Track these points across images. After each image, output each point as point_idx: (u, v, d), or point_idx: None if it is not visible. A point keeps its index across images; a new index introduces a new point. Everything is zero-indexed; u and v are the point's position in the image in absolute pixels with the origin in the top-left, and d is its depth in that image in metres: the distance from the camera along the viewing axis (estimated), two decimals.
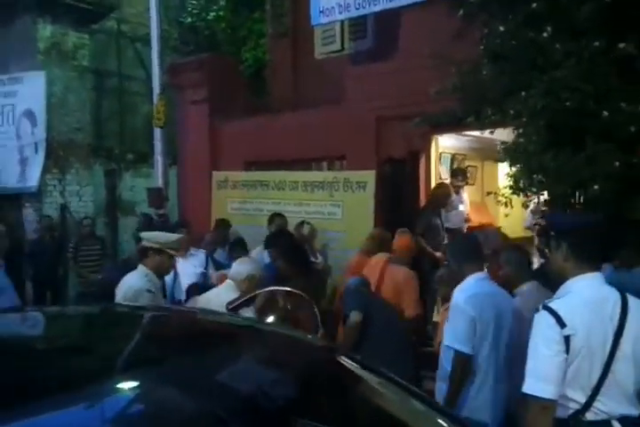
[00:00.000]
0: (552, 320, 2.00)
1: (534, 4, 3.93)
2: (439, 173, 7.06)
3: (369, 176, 6.17)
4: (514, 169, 4.06)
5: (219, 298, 3.59)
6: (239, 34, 10.28)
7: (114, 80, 10.36)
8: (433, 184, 6.53)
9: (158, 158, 7.59)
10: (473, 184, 8.11)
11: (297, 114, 7.31)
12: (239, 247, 5.82)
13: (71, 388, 1.52)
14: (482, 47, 4.49)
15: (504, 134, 4.67)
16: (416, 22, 6.30)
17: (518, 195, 4.09)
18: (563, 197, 3.61)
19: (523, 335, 2.48)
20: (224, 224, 6.71)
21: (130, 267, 3.92)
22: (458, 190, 6.97)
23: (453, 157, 8.23)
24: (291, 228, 5.92)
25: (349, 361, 2.20)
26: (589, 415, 2.00)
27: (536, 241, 5.89)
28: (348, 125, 6.56)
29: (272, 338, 2.41)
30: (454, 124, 5.25)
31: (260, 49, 9.93)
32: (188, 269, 5.53)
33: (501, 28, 4.13)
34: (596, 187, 3.35)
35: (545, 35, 3.78)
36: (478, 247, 3.30)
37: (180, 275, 5.31)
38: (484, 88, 4.49)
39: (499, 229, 4.84)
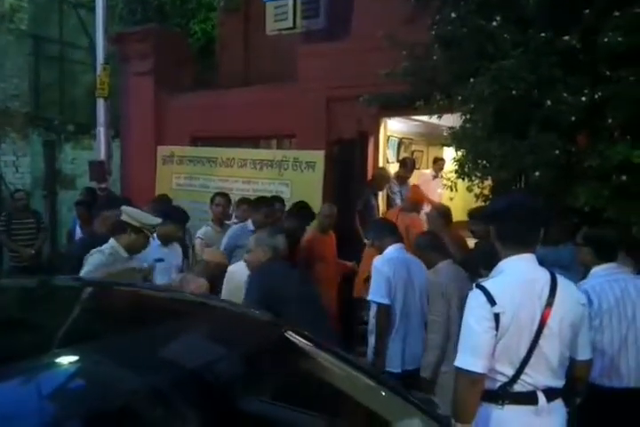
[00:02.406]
0: (483, 298, 2.09)
1: None
2: (386, 156, 7.15)
3: (318, 156, 6.19)
4: (459, 154, 4.17)
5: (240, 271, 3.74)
6: (188, 6, 9.99)
7: (54, 47, 9.86)
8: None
9: (101, 130, 7.33)
10: (419, 169, 8.26)
11: (247, 90, 7.22)
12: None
13: (7, 361, 1.48)
14: (433, 33, 4.55)
15: (450, 120, 4.78)
16: (369, 4, 6.30)
17: (463, 179, 4.21)
18: (505, 182, 3.74)
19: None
20: (163, 199, 6.56)
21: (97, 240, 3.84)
22: (405, 180, 7.07)
23: (400, 141, 8.35)
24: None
25: (296, 336, 2.24)
26: (517, 387, 2.12)
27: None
28: (298, 104, 6.53)
29: (218, 314, 2.42)
30: (404, 107, 5.32)
31: (209, 22, 9.70)
32: None
33: (453, 15, 4.19)
34: (537, 174, 3.49)
35: (494, 24, 3.87)
36: (395, 226, 4.13)
37: None
38: (433, 73, 4.57)
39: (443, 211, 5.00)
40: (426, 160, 9.05)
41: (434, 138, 8.03)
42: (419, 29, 4.76)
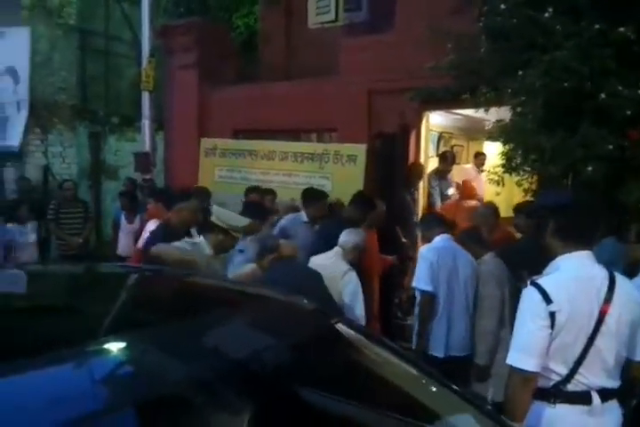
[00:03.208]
0: (538, 296, 2.06)
1: None
2: (428, 150, 7.07)
3: (360, 150, 6.17)
4: (507, 148, 4.09)
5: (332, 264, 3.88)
6: None
7: (100, 41, 10.09)
8: (422, 161, 6.57)
9: (146, 123, 7.47)
10: (459, 164, 8.15)
11: (289, 84, 7.24)
12: None
13: (57, 348, 1.49)
14: (481, 24, 4.47)
15: (494, 114, 4.70)
16: None
17: (510, 174, 4.14)
18: (555, 177, 3.66)
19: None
20: (202, 192, 6.62)
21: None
22: (445, 175, 6.99)
23: (440, 136, 8.24)
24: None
25: (345, 327, 2.24)
26: (570, 386, 2.09)
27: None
28: (340, 98, 6.52)
29: (266, 304, 2.42)
30: (448, 101, 5.25)
31: (251, 16, 9.75)
32: None
33: (502, 6, 4.11)
34: (589, 168, 3.41)
35: (546, 15, 3.78)
36: (444, 218, 4.26)
37: None
38: (480, 65, 4.50)
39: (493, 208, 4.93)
40: (466, 155, 8.92)
41: (474, 132, 7.91)
42: (464, 21, 4.69)
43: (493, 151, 7.63)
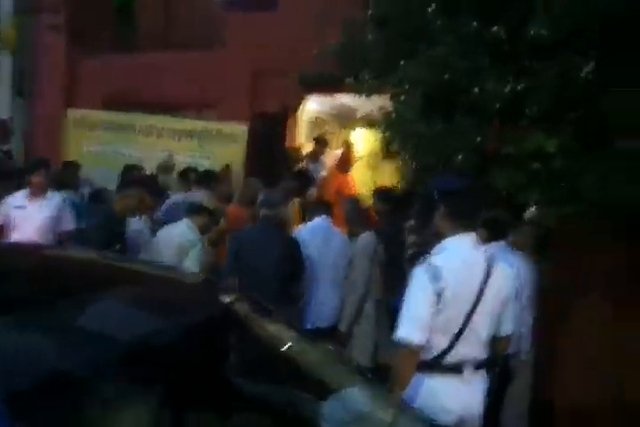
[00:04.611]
0: (429, 274, 2.19)
1: None
2: (306, 133, 7.18)
3: (242, 130, 6.11)
4: (386, 135, 4.27)
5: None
6: None
7: None
8: (302, 143, 6.66)
9: (5, 88, 6.79)
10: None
11: (167, 54, 6.94)
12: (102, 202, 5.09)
13: None
14: (370, 12, 4.58)
15: (367, 102, 4.87)
16: None
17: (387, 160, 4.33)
18: (430, 165, 3.89)
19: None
20: (72, 167, 6.21)
21: None
22: (318, 158, 7.14)
23: (314, 121, 8.35)
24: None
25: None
26: (447, 358, 2.26)
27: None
28: (222, 74, 6.39)
29: (142, 278, 2.30)
30: (332, 86, 5.35)
31: None
32: (38, 212, 4.87)
33: None
34: (460, 157, 3.66)
35: (429, 9, 3.96)
36: (327, 204, 4.43)
37: (26, 217, 4.81)
38: (366, 52, 4.62)
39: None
40: (336, 141, 9.11)
41: (346, 120, 8.08)
42: (351, 6, 4.78)
43: (363, 139, 7.98)
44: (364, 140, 8.11)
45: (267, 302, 2.33)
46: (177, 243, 3.83)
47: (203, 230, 3.98)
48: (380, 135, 4.55)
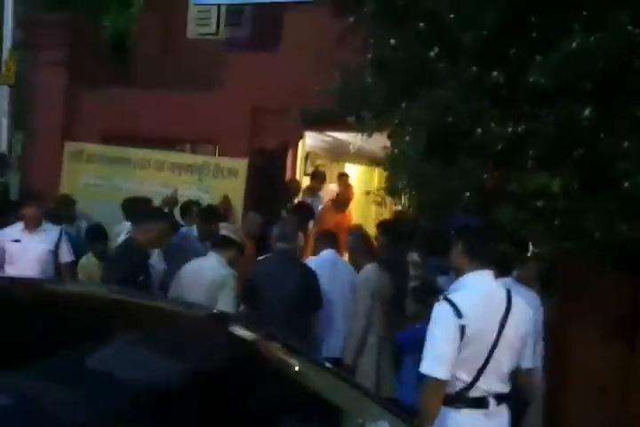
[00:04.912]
0: (451, 311, 2.28)
1: (421, 24, 4.31)
2: (304, 168, 7.33)
3: (242, 164, 6.21)
4: (390, 173, 4.40)
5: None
6: None
7: None
8: (298, 178, 6.79)
9: (3, 120, 6.83)
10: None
11: (167, 92, 7.07)
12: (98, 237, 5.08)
13: None
14: (369, 55, 4.77)
15: (358, 137, 5.03)
16: (299, 18, 6.43)
17: (392, 197, 4.46)
18: (435, 202, 4.02)
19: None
20: (68, 200, 6.22)
21: None
22: (316, 192, 7.26)
23: (307, 155, 8.53)
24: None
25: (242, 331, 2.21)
26: (471, 392, 2.33)
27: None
28: (222, 112, 6.52)
29: (152, 314, 2.26)
30: (331, 123, 5.50)
31: (121, 19, 9.40)
32: (35, 245, 4.86)
33: (392, 41, 4.43)
34: (467, 195, 3.80)
35: (432, 54, 4.15)
36: (334, 237, 4.63)
37: (22, 251, 4.76)
38: (365, 93, 4.79)
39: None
40: (329, 175, 9.29)
41: (337, 154, 8.30)
42: (349, 49, 4.96)
43: (353, 173, 8.18)
44: (357, 175, 8.32)
45: (284, 334, 2.36)
46: (209, 278, 3.77)
47: (230, 264, 3.93)
48: (381, 172, 4.69)
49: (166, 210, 5.46)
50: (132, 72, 8.05)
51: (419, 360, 3.36)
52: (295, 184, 6.65)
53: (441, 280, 3.92)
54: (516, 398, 2.51)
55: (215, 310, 2.97)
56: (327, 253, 4.36)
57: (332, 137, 7.33)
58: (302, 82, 5.50)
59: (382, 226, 4.91)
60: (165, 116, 6.80)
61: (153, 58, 7.89)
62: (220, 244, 3.95)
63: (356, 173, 8.76)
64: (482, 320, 2.31)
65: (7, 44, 6.97)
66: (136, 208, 5.00)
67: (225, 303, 3.66)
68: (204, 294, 3.68)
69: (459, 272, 2.46)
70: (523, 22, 4.01)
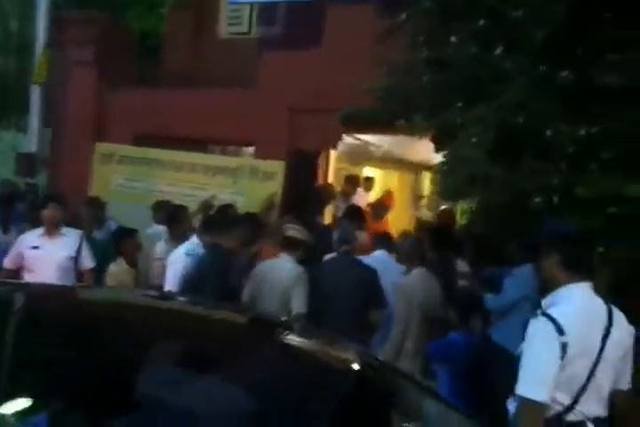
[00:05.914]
0: (551, 327, 2.07)
1: (482, 21, 4.13)
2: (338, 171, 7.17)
3: (279, 167, 6.03)
4: (450, 178, 4.21)
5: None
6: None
7: None
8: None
9: (34, 120, 6.69)
10: None
11: (201, 92, 6.92)
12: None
13: None
14: (423, 53, 4.58)
15: (383, 140, 4.82)
16: (339, 14, 6.25)
17: (447, 200, 4.27)
18: (501, 206, 3.83)
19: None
20: (96, 204, 6.02)
21: None
22: (350, 197, 7.08)
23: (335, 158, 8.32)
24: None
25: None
26: (570, 416, 2.12)
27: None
28: (258, 112, 6.35)
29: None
30: (378, 125, 5.31)
31: (148, 18, 9.28)
32: (55, 252, 4.47)
33: (454, 39, 4.24)
34: (537, 199, 3.60)
35: (498, 51, 3.96)
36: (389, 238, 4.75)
37: (42, 258, 4.38)
38: (421, 93, 4.59)
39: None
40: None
41: (358, 157, 8.07)
42: (395, 47, 4.77)
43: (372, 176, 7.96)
44: (378, 179, 8.09)
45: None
46: (283, 277, 3.84)
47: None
48: (402, 175, 4.51)
49: (201, 214, 5.29)
50: (158, 72, 7.90)
51: (453, 374, 3.27)
52: (330, 188, 6.48)
53: (488, 300, 3.75)
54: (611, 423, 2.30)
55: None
56: (380, 254, 4.40)
57: (360, 139, 7.13)
58: (342, 80, 5.33)
59: (432, 232, 4.72)
60: (198, 117, 6.64)
61: (183, 58, 7.75)
62: (288, 245, 3.99)
63: (377, 176, 8.54)
64: (583, 338, 2.10)
65: (41, 42, 6.82)
66: (218, 216, 4.93)
67: (298, 302, 3.76)
68: (278, 296, 3.78)
69: (552, 285, 2.24)
70: (594, 19, 3.84)
